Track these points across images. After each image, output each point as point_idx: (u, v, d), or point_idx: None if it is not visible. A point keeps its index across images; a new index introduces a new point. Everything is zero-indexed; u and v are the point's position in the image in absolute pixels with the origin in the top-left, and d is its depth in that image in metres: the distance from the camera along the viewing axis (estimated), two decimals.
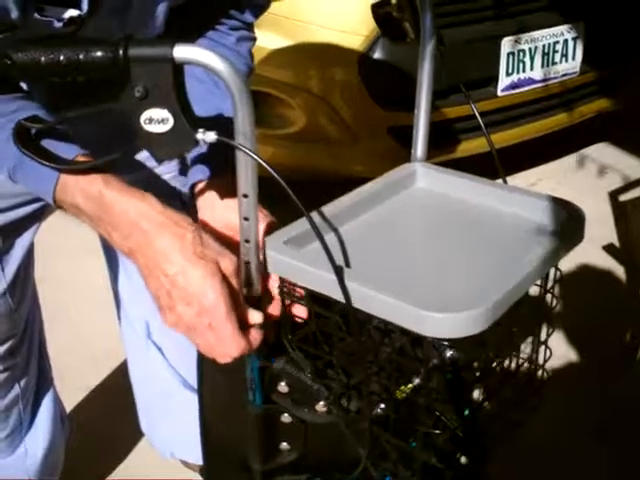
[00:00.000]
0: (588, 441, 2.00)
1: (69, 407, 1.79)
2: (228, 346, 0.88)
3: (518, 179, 3.08)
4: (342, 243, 0.90)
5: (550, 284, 0.91)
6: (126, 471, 1.94)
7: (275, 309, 0.94)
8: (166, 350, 1.50)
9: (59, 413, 1.55)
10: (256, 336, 0.91)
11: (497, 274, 0.80)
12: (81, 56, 0.78)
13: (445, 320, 0.75)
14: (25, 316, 1.35)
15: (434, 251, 0.92)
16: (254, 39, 1.27)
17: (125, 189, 0.90)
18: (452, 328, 0.76)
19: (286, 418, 1.00)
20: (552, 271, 0.90)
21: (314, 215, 0.90)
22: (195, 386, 1.13)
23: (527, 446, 1.92)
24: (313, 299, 0.87)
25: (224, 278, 0.87)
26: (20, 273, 1.28)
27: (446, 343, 0.80)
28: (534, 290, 0.91)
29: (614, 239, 2.79)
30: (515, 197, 0.97)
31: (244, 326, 0.90)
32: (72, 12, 0.91)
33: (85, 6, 0.92)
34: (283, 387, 0.97)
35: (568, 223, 0.91)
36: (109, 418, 2.05)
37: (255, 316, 0.91)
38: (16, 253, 1.26)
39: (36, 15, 0.90)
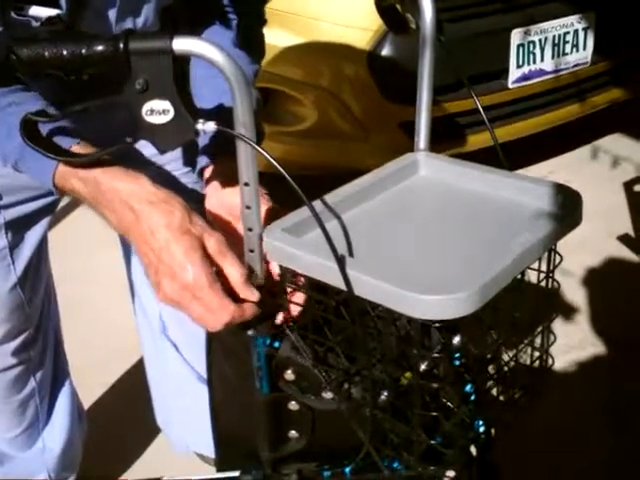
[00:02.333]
0: (603, 432, 2.00)
1: (87, 403, 1.80)
2: (218, 314, 0.89)
3: (531, 171, 3.08)
4: (341, 231, 0.91)
5: (550, 268, 0.91)
6: (143, 466, 1.95)
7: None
8: (181, 345, 1.51)
9: (76, 408, 1.57)
10: (250, 308, 0.92)
11: (489, 257, 0.81)
12: (83, 50, 0.80)
13: (433, 302, 0.77)
14: (39, 310, 1.37)
15: (431, 237, 0.93)
16: (264, 20, 1.28)
17: (119, 172, 0.93)
18: (440, 310, 0.77)
19: (293, 406, 1.01)
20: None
21: (315, 203, 0.91)
22: None
23: (540, 435, 1.93)
24: (313, 286, 0.89)
25: (208, 255, 0.90)
26: (31, 267, 1.30)
27: (437, 325, 0.81)
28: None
29: (629, 229, 2.78)
30: (514, 183, 0.98)
31: (237, 300, 0.92)
32: (50, 12, 0.93)
33: (64, 5, 0.94)
34: (290, 375, 0.98)
35: (565, 206, 0.92)
36: (127, 414, 2.07)
37: (253, 295, 0.92)
38: (27, 247, 1.28)
39: (13, 14, 0.92)
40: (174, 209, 0.90)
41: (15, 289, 1.29)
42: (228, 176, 1.03)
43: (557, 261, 0.90)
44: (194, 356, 1.50)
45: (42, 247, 1.33)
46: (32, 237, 1.28)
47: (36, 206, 1.24)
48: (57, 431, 1.52)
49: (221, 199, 1.07)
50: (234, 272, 0.91)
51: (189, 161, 1.33)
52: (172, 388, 1.59)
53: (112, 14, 1.03)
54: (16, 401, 1.41)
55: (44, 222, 1.29)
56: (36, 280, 1.33)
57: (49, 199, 1.25)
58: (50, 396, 1.49)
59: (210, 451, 1.18)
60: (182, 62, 0.81)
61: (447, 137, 2.69)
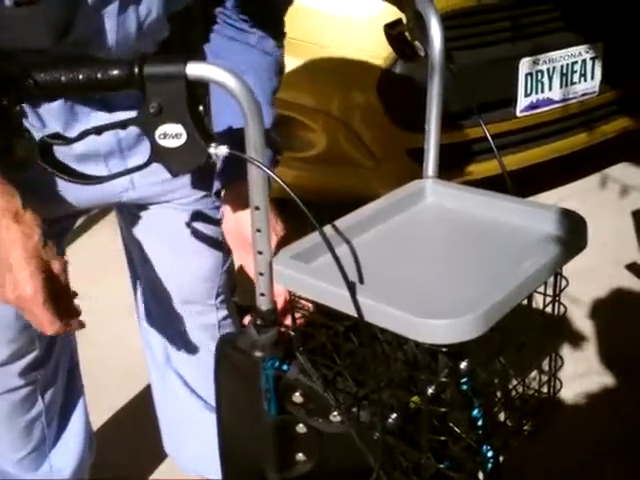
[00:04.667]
0: (609, 459, 1.98)
1: (95, 426, 1.80)
2: (46, 327, 0.98)
3: (540, 199, 3.08)
4: (349, 257, 0.92)
5: (556, 293, 0.92)
6: None
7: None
8: (186, 375, 1.50)
9: (88, 432, 1.55)
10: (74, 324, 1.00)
11: (495, 281, 0.83)
12: (99, 75, 0.82)
13: (438, 326, 0.78)
14: None
15: (438, 262, 0.94)
16: (282, 33, 1.26)
17: None
18: (446, 334, 0.78)
19: (301, 428, 1.02)
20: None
21: (324, 230, 0.92)
22: None
23: (549, 464, 1.91)
24: (322, 310, 0.89)
25: (52, 276, 0.97)
26: None
27: (444, 349, 0.81)
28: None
29: (637, 258, 2.78)
30: (519, 208, 0.99)
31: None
32: None
33: None
34: (298, 397, 0.99)
35: (570, 231, 0.93)
36: (134, 437, 2.07)
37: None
38: None
39: None
40: (34, 233, 0.96)
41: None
42: (244, 200, 1.03)
43: (563, 285, 0.91)
44: (200, 384, 1.49)
45: None
46: None
47: (47, 231, 1.24)
48: (68, 455, 1.50)
49: (237, 226, 1.08)
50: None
51: (206, 185, 1.32)
52: (179, 417, 1.57)
53: (113, 7, 1.02)
54: (22, 422, 1.40)
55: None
56: None
57: (60, 225, 1.25)
58: (60, 418, 1.47)
59: (219, 476, 1.17)
60: (197, 84, 0.82)
61: (457, 165, 2.71)
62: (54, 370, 1.41)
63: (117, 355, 2.36)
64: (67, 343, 1.44)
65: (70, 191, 1.19)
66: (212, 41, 1.20)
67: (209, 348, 1.13)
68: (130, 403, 2.22)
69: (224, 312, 1.45)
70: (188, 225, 1.32)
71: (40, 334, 1.32)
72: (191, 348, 1.45)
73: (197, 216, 1.34)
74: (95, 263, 2.81)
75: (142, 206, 1.32)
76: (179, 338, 1.45)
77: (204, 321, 1.43)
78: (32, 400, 1.39)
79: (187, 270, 1.38)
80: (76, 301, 1.02)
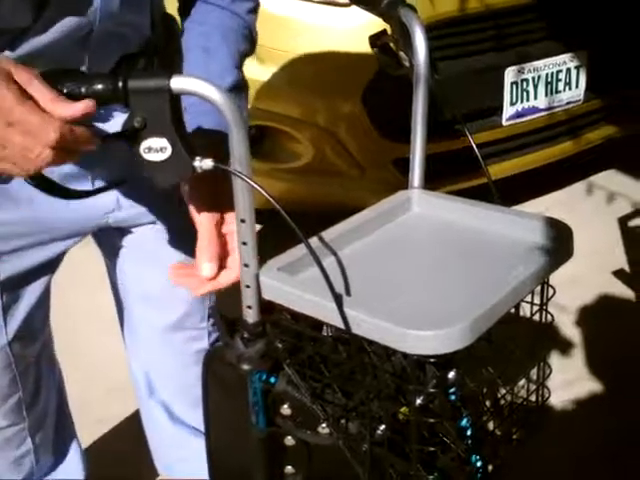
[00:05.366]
0: (597, 468, 1.99)
1: (87, 439, 1.79)
2: (41, 131, 0.79)
3: (527, 207, 3.09)
4: (336, 268, 0.92)
5: (543, 301, 0.92)
6: None
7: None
8: (172, 405, 1.48)
9: (80, 465, 1.51)
10: (81, 130, 0.82)
11: (483, 291, 0.83)
12: (83, 89, 0.82)
13: (425, 337, 0.78)
14: (32, 372, 1.31)
15: (425, 272, 0.94)
16: (256, 1, 1.23)
17: None
18: (433, 345, 0.78)
19: (290, 441, 1.01)
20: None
21: (310, 242, 0.92)
22: None
23: (539, 472, 1.92)
24: (309, 322, 0.89)
25: (19, 87, 0.80)
26: (26, 327, 1.24)
27: (432, 360, 0.82)
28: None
29: (624, 265, 2.79)
30: (506, 217, 1.00)
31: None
32: None
33: None
34: (286, 409, 0.99)
35: (556, 240, 0.93)
36: (127, 450, 2.05)
37: (68, 107, 0.81)
38: (23, 306, 1.22)
39: None
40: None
41: (3, 349, 1.22)
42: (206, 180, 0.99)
43: (550, 294, 0.91)
44: (188, 413, 1.46)
45: (41, 307, 1.27)
46: (30, 296, 1.23)
47: (34, 260, 1.19)
48: None
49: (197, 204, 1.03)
50: (42, 95, 0.80)
51: None
52: (168, 445, 1.53)
53: None
54: (10, 457, 1.36)
55: (44, 280, 1.24)
56: (29, 342, 1.27)
57: (48, 252, 1.21)
58: (52, 455, 1.43)
59: None
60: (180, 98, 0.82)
61: (443, 174, 2.71)
62: (43, 414, 1.37)
63: (108, 366, 2.34)
64: (53, 384, 1.40)
65: (55, 212, 1.16)
66: (186, 5, 1.19)
67: (198, 375, 1.11)
68: (121, 416, 2.20)
69: (215, 335, 1.42)
70: (172, 244, 1.31)
71: (21, 374, 1.29)
72: (179, 377, 1.43)
73: (182, 234, 1.30)
74: (87, 277, 2.80)
75: (125, 230, 1.29)
76: (167, 368, 1.43)
77: (197, 347, 1.40)
78: (20, 438, 1.35)
79: (177, 293, 1.34)
80: None
